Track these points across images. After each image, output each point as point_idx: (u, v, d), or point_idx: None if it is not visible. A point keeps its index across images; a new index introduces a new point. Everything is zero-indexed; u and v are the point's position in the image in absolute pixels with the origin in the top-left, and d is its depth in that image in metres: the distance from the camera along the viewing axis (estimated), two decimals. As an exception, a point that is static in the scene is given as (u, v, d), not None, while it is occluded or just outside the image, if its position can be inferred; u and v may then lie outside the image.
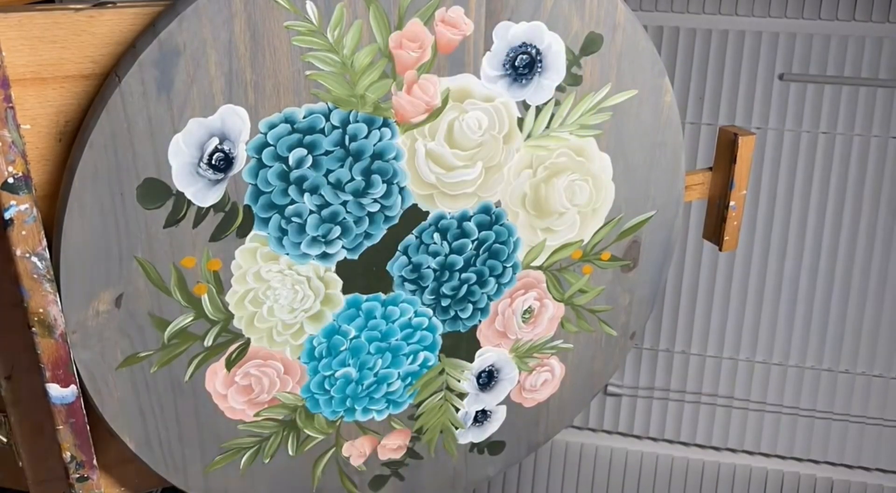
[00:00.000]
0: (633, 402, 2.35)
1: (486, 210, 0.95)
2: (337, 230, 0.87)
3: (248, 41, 0.76)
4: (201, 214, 0.81)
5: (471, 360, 1.04)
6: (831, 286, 2.18)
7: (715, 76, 2.10)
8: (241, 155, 0.80)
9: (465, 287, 0.98)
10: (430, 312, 0.98)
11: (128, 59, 0.73)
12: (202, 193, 0.80)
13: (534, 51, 0.89)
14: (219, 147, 0.78)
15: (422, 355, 1.00)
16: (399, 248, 0.92)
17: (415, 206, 0.91)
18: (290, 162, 0.82)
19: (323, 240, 0.87)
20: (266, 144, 0.81)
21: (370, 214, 0.88)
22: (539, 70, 0.90)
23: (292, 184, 0.83)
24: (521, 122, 0.92)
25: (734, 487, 2.33)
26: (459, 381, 1.04)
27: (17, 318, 0.79)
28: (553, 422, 1.14)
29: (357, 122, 0.83)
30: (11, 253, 0.72)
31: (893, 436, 2.24)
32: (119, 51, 0.74)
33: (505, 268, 0.99)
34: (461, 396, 1.06)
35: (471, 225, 0.95)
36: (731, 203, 1.12)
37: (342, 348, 0.95)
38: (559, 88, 0.92)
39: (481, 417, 1.09)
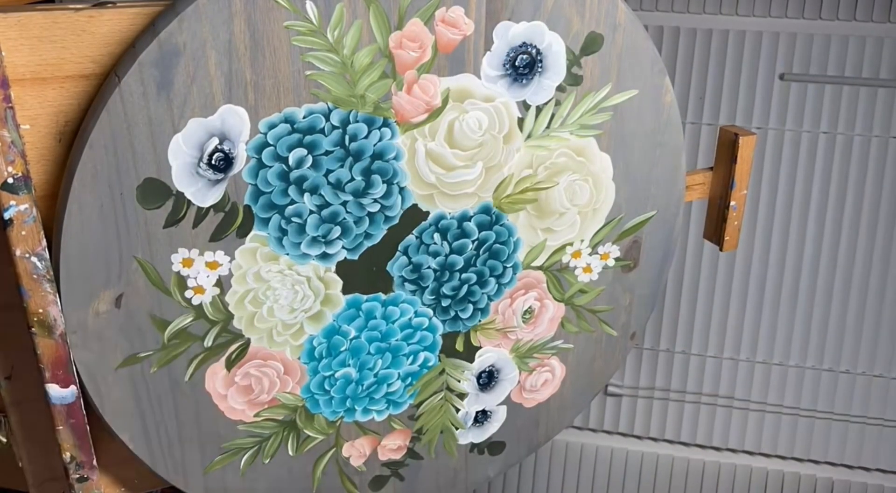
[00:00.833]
0: (633, 402, 2.35)
1: (486, 210, 0.95)
2: (337, 230, 0.87)
3: (247, 41, 0.76)
4: (201, 214, 0.81)
5: (471, 360, 1.04)
6: (831, 286, 2.18)
7: (715, 76, 2.10)
8: (241, 155, 0.80)
9: (465, 287, 0.98)
10: (431, 312, 0.98)
11: (128, 59, 0.73)
12: (202, 193, 0.80)
13: (534, 51, 0.89)
14: (219, 147, 0.78)
15: (422, 355, 1.00)
16: (399, 248, 0.92)
17: (415, 206, 0.91)
18: (290, 162, 0.82)
19: (323, 240, 0.87)
20: (266, 144, 0.80)
21: (370, 215, 0.88)
22: (539, 70, 0.90)
23: (292, 184, 0.83)
24: (521, 122, 0.92)
25: (734, 487, 2.33)
26: (459, 381, 1.04)
27: (16, 318, 0.79)
28: (553, 422, 1.14)
29: (357, 122, 0.83)
30: (11, 253, 0.72)
31: (893, 436, 2.24)
32: (119, 51, 0.74)
33: (505, 268, 0.99)
34: (461, 396, 1.06)
35: (471, 225, 0.95)
36: (732, 203, 1.12)
37: (342, 349, 0.95)
38: (559, 88, 0.92)
39: (481, 417, 1.09)
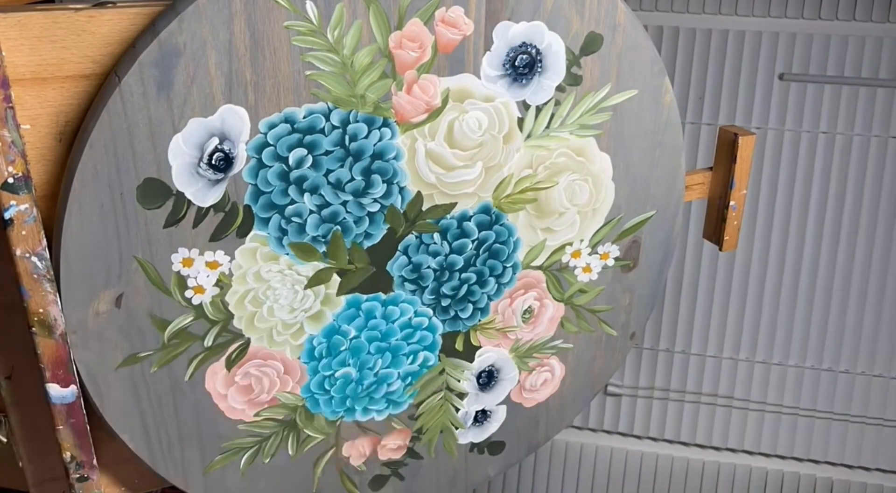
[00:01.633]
0: (633, 402, 2.35)
1: (486, 210, 0.95)
2: (337, 230, 0.87)
3: (247, 41, 0.76)
4: (201, 214, 0.81)
5: (471, 360, 1.04)
6: (831, 286, 2.18)
7: (715, 76, 2.10)
8: (241, 155, 0.80)
9: (465, 287, 0.98)
10: (430, 312, 0.98)
11: (128, 59, 0.73)
12: (202, 193, 0.80)
13: (534, 51, 0.89)
14: (219, 147, 0.78)
15: (422, 355, 1.00)
16: (399, 248, 0.92)
17: (415, 206, 0.91)
18: (290, 162, 0.82)
19: (323, 240, 0.87)
20: (266, 144, 0.81)
21: (370, 214, 0.88)
22: (539, 70, 0.90)
23: (292, 184, 0.83)
24: (521, 122, 0.92)
25: (734, 487, 2.33)
26: (459, 381, 1.04)
27: (17, 318, 0.79)
28: (553, 422, 1.14)
29: (357, 122, 0.83)
30: (11, 253, 0.72)
31: (893, 436, 2.24)
32: (119, 51, 0.74)
33: (505, 268, 0.99)
34: (461, 396, 1.06)
35: (471, 225, 0.95)
36: (732, 203, 1.12)
37: (342, 348, 0.95)
38: (559, 88, 0.92)
39: (481, 417, 1.09)
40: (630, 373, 2.34)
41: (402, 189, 0.89)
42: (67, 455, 0.80)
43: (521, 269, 1.01)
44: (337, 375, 0.96)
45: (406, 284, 0.95)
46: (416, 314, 0.97)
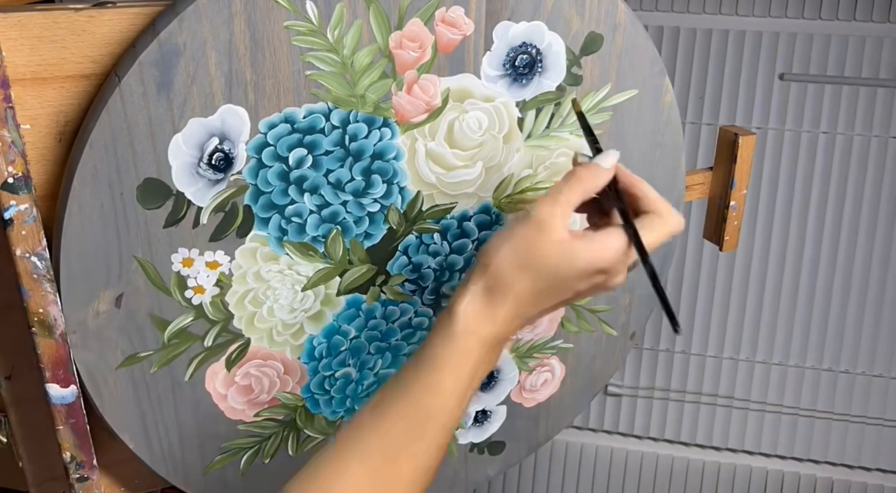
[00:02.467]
0: (633, 402, 2.35)
1: (486, 210, 0.95)
2: (337, 230, 0.87)
3: (247, 41, 0.76)
4: (201, 214, 0.81)
5: (471, 360, 1.04)
6: (831, 286, 2.18)
7: (715, 76, 2.10)
8: (241, 155, 0.80)
9: (465, 287, 0.98)
10: (431, 312, 0.98)
11: (128, 59, 0.73)
12: (202, 193, 0.80)
13: (534, 51, 0.89)
14: (219, 147, 0.78)
15: (422, 355, 1.00)
16: (399, 248, 0.92)
17: (415, 206, 0.91)
18: (290, 162, 0.82)
19: (323, 240, 0.87)
20: (266, 144, 0.81)
21: (370, 214, 0.88)
22: (539, 70, 0.90)
23: (292, 184, 0.83)
24: (521, 122, 0.92)
25: (734, 487, 2.33)
26: (459, 381, 1.04)
27: (16, 318, 0.79)
28: (553, 422, 1.14)
29: (357, 122, 0.83)
30: (11, 253, 0.72)
31: (893, 436, 2.24)
32: (119, 51, 0.74)
33: (505, 268, 0.99)
34: (461, 396, 1.06)
35: (471, 225, 0.95)
36: (732, 203, 1.12)
37: (342, 349, 0.95)
38: (559, 88, 0.92)
39: (481, 417, 1.09)
40: (630, 373, 2.34)
41: (402, 189, 0.89)
42: (67, 455, 0.80)
43: (522, 269, 1.00)
44: (337, 375, 0.96)
45: (406, 284, 0.95)
46: (417, 315, 0.97)
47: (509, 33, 0.87)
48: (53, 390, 0.77)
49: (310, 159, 0.83)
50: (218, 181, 0.80)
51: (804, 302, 2.21)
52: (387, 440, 0.71)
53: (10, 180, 0.69)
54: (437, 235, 0.93)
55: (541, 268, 0.73)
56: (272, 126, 0.80)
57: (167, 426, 0.88)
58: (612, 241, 0.74)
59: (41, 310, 0.74)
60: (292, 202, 0.84)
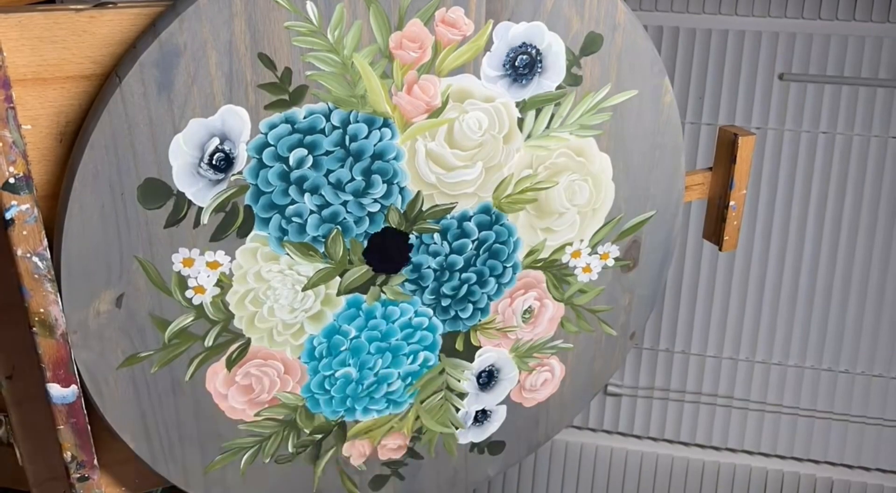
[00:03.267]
0: (633, 402, 2.35)
1: (486, 210, 0.95)
2: (337, 230, 0.88)
3: (248, 41, 0.76)
4: (202, 214, 0.81)
5: (471, 360, 1.04)
6: (831, 286, 2.19)
7: (715, 76, 2.10)
8: (242, 155, 0.80)
9: (465, 287, 0.98)
10: (431, 312, 0.98)
11: (128, 60, 0.73)
12: (203, 193, 0.80)
13: (534, 51, 0.89)
14: (219, 147, 0.79)
15: (422, 354, 1.00)
16: (399, 248, 0.92)
17: (415, 206, 0.91)
18: (291, 162, 0.82)
19: (323, 240, 0.87)
20: (266, 145, 0.81)
21: (370, 214, 0.88)
22: (539, 70, 0.90)
23: (293, 184, 0.83)
24: (521, 122, 0.92)
25: (734, 487, 2.33)
26: (459, 381, 1.04)
27: (17, 318, 0.79)
28: (553, 422, 1.14)
29: (357, 122, 0.83)
30: (12, 253, 0.72)
31: (893, 436, 2.24)
32: (120, 51, 0.75)
33: (505, 268, 0.99)
34: (461, 396, 1.06)
35: (471, 225, 0.95)
36: (731, 203, 1.12)
37: (342, 348, 0.95)
38: (559, 88, 0.92)
39: (481, 417, 1.09)
40: (630, 373, 2.34)
41: (402, 189, 0.89)
42: (68, 455, 0.80)
43: (522, 269, 1.01)
44: (337, 375, 0.96)
45: (406, 284, 0.95)
46: (417, 314, 0.97)
47: (509, 34, 0.87)
48: (54, 389, 0.77)
49: (310, 159, 0.83)
50: (218, 181, 0.80)
51: (804, 302, 2.21)
52: None
53: (12, 181, 0.70)
54: (437, 235, 0.94)
55: None
56: (273, 126, 0.80)
57: (168, 426, 0.88)
58: None
59: (42, 310, 0.74)
60: (293, 202, 0.84)
